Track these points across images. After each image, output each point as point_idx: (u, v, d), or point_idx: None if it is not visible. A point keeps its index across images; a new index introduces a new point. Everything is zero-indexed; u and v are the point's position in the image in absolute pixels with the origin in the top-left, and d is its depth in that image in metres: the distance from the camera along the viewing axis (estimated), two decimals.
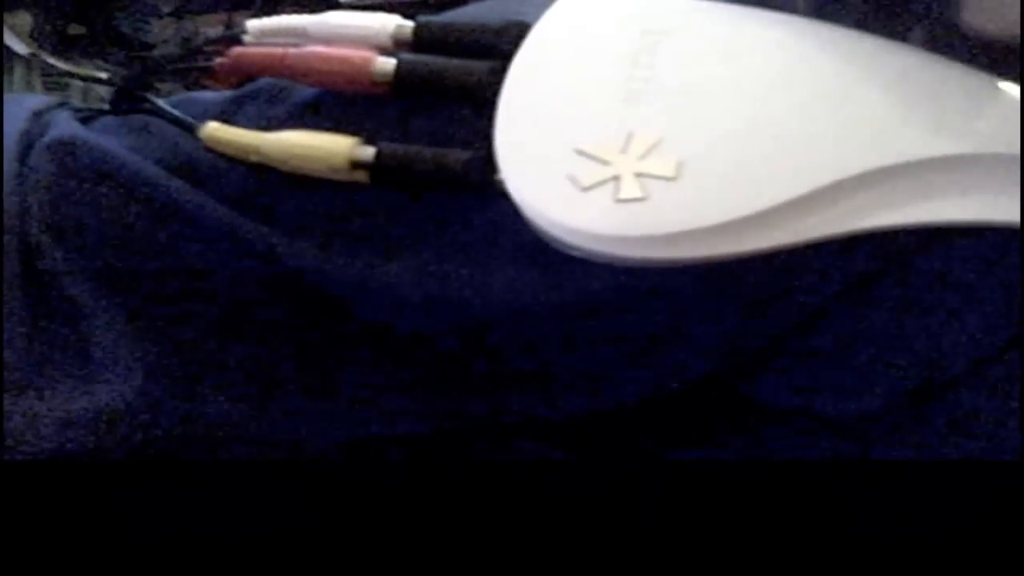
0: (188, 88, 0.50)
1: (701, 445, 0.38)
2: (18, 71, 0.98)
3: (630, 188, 0.31)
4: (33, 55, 1.00)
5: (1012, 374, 0.33)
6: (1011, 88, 0.31)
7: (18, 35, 1.00)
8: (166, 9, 0.99)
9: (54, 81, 1.04)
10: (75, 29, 1.03)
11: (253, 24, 0.38)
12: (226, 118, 0.37)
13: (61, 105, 0.41)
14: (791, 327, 0.33)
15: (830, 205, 0.31)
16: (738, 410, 0.37)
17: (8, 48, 0.99)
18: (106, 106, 0.41)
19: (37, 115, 0.39)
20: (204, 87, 0.43)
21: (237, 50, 0.37)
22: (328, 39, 0.37)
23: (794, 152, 0.32)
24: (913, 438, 0.34)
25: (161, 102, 0.38)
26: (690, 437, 0.38)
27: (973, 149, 0.31)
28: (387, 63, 0.36)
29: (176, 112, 0.37)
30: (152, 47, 0.93)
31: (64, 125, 0.38)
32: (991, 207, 0.30)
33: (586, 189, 0.31)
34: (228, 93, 0.39)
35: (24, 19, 0.99)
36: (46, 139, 0.37)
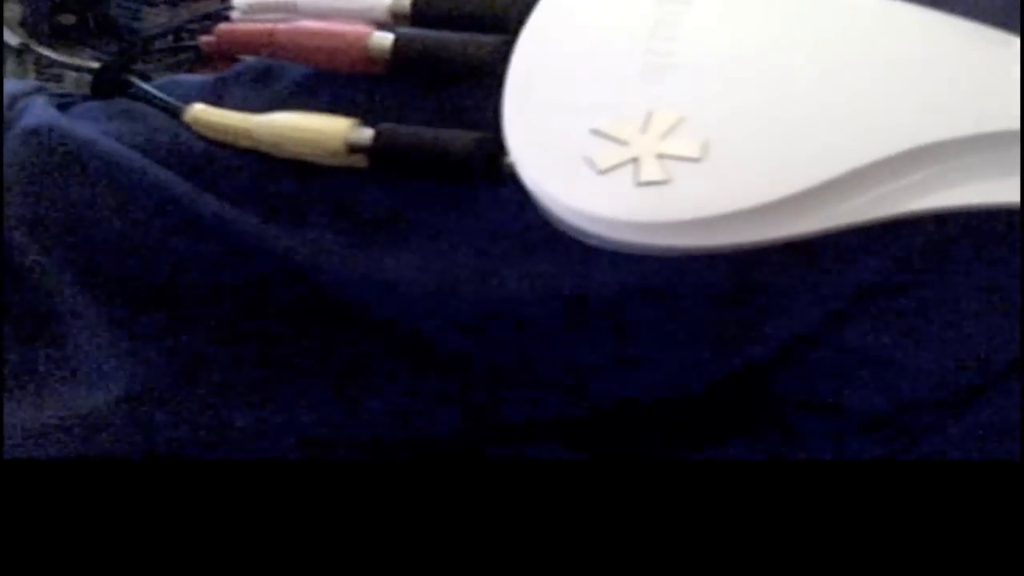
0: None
1: (727, 443, 0.36)
2: (10, 62, 0.96)
3: (651, 170, 0.29)
4: (24, 46, 0.98)
5: None
6: None
7: (8, 26, 0.98)
8: None
9: (47, 72, 1.02)
10: (66, 19, 1.01)
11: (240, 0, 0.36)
12: (212, 100, 0.35)
13: (39, 91, 0.38)
14: (822, 320, 0.31)
15: (867, 188, 0.29)
16: (765, 407, 0.35)
17: None
18: (87, 91, 0.39)
19: (12, 101, 0.37)
20: (193, 72, 0.41)
21: (223, 26, 0.35)
22: (321, 14, 0.35)
23: (828, 131, 0.29)
24: (946, 439, 0.32)
25: (144, 85, 0.36)
26: (715, 436, 0.35)
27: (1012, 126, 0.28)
28: (384, 38, 0.33)
29: (160, 94, 0.35)
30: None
31: (39, 112, 0.36)
32: None
33: (603, 172, 0.29)
34: (213, 75, 0.36)
35: (14, 9, 0.97)
36: (19, 126, 0.35)
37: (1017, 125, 0.28)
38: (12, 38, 0.94)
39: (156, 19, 0.94)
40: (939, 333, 0.31)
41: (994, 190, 0.28)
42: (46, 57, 0.96)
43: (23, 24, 0.95)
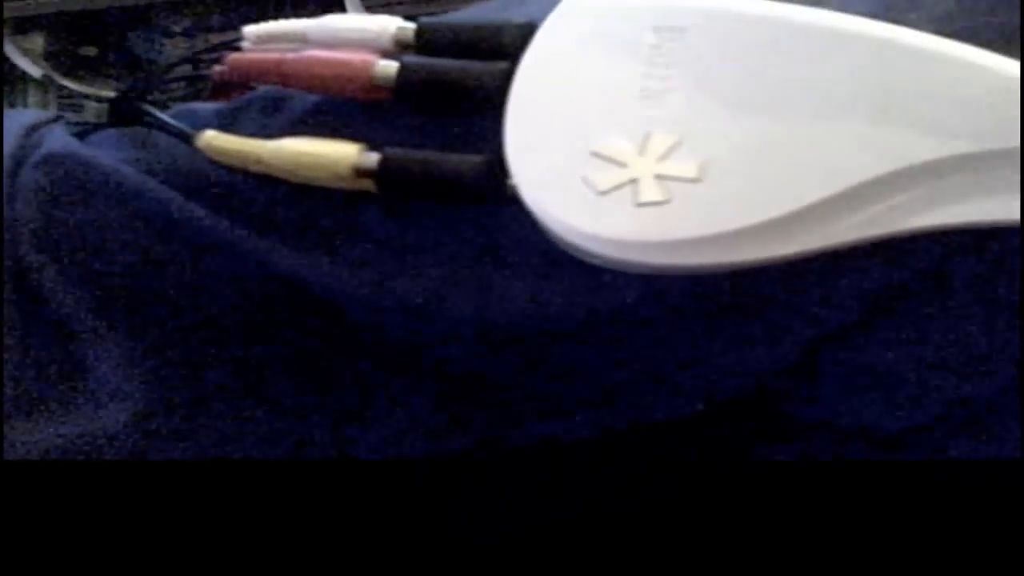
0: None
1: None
2: (32, 93, 0.98)
3: (650, 191, 0.29)
4: (46, 77, 1.00)
5: None
6: None
7: (31, 58, 1.00)
8: (178, 29, 0.98)
9: (68, 102, 1.04)
10: (88, 50, 1.03)
11: (250, 29, 0.36)
12: (225, 127, 0.35)
13: (57, 119, 0.39)
14: (825, 337, 0.31)
15: (866, 205, 0.29)
16: (771, 426, 0.35)
17: (22, 70, 0.99)
18: (104, 120, 0.40)
19: (31, 130, 0.37)
20: (208, 102, 0.42)
21: (234, 56, 0.36)
22: (328, 43, 0.35)
23: (826, 149, 0.30)
24: (954, 455, 0.32)
25: (158, 113, 0.37)
26: (720, 457, 0.36)
27: (1010, 144, 0.28)
28: (389, 66, 0.34)
29: (172, 122, 0.36)
30: None
31: (57, 140, 0.36)
32: None
33: (603, 193, 0.30)
34: (226, 103, 0.37)
35: (37, 42, 0.99)
36: (38, 154, 0.36)
37: (1016, 143, 0.28)
38: (35, 70, 0.96)
39: (175, 51, 0.96)
40: (944, 351, 0.31)
41: (995, 207, 0.29)
42: (68, 88, 0.98)
43: (46, 56, 0.97)
